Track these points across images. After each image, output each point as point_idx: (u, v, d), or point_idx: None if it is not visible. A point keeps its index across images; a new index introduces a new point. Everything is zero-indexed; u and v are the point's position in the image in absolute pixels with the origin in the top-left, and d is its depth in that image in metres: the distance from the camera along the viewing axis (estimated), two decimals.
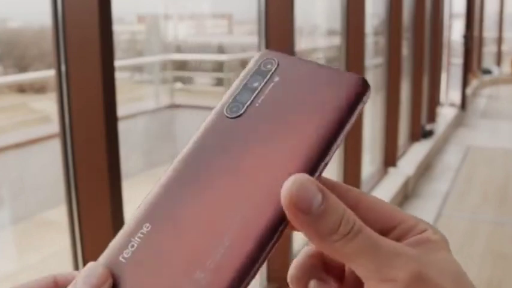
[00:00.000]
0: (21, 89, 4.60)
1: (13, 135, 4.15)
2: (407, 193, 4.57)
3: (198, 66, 7.31)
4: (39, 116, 4.66)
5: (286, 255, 2.69)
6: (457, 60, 8.44)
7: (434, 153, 5.81)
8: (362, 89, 0.35)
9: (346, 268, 0.36)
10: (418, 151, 5.49)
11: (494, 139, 6.78)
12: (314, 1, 4.63)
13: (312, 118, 0.34)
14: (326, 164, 0.33)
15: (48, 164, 3.55)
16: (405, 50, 5.44)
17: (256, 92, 0.36)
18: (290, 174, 0.31)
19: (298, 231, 0.32)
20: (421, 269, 0.30)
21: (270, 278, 2.74)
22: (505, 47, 13.24)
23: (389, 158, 4.87)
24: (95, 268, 0.31)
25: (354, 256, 0.31)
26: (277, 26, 2.53)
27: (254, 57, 0.38)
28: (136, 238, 0.32)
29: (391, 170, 4.79)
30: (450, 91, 8.19)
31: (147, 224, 0.32)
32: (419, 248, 0.32)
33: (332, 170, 3.52)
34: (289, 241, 2.71)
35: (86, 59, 1.47)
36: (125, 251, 0.31)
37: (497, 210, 4.37)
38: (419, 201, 4.51)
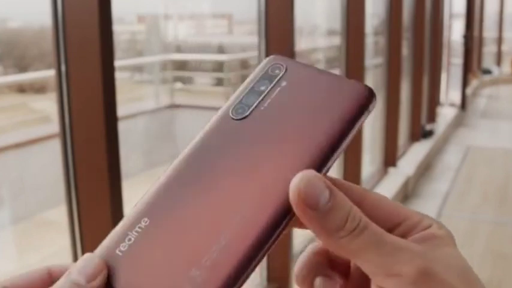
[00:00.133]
0: (21, 89, 4.60)
1: (13, 135, 4.14)
2: (407, 193, 4.57)
3: (198, 66, 7.30)
4: (39, 116, 4.66)
5: (286, 255, 2.70)
6: (457, 60, 8.44)
7: (434, 153, 5.81)
8: (368, 99, 0.36)
9: (352, 265, 0.36)
10: (418, 151, 5.49)
11: (494, 139, 6.77)
12: (314, 1, 4.63)
13: (316, 123, 0.34)
14: (328, 169, 0.34)
15: (48, 164, 3.54)
16: (405, 50, 5.44)
17: (263, 95, 0.36)
18: (293, 175, 0.31)
19: (303, 228, 0.32)
20: (427, 265, 0.31)
21: (270, 278, 2.74)
22: (505, 47, 13.23)
23: (389, 158, 4.87)
24: (91, 259, 0.31)
25: (360, 252, 0.31)
26: (277, 26, 2.53)
27: (263, 61, 0.38)
28: (134, 232, 0.32)
29: (391, 170, 4.79)
30: (450, 91, 8.19)
31: (146, 219, 0.32)
32: (425, 244, 0.32)
33: (332, 170, 3.51)
34: (289, 241, 2.71)
35: (86, 59, 1.47)
36: (121, 244, 0.31)
37: (497, 210, 4.37)
38: (419, 201, 4.51)
